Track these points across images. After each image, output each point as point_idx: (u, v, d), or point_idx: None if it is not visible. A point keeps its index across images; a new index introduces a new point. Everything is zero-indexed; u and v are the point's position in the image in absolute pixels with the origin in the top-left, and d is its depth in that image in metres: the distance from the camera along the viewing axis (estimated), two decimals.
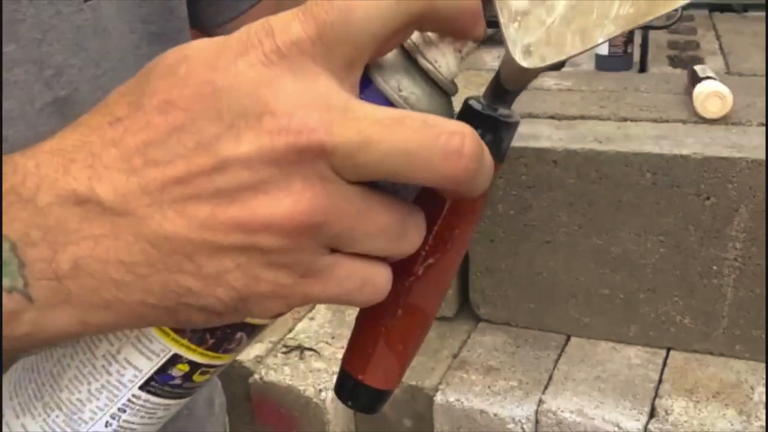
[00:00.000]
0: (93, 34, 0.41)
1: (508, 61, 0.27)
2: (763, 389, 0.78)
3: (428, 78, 0.28)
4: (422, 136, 0.24)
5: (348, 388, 0.33)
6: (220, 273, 0.25)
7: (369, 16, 0.25)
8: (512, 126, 0.30)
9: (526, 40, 0.27)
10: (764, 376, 0.80)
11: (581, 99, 0.93)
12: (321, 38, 0.25)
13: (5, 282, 0.25)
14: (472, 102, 0.29)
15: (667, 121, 0.86)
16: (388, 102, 0.27)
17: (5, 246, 0.25)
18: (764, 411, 0.76)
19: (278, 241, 0.25)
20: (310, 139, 0.24)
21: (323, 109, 0.24)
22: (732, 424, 0.75)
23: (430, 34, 0.28)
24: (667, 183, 0.78)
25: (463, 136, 0.24)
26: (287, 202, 0.24)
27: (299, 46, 0.24)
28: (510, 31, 0.27)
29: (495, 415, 0.81)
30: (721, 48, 1.14)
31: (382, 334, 0.32)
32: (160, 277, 0.25)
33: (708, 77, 0.87)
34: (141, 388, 0.30)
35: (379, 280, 0.27)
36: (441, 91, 0.28)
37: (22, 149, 0.39)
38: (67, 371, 0.30)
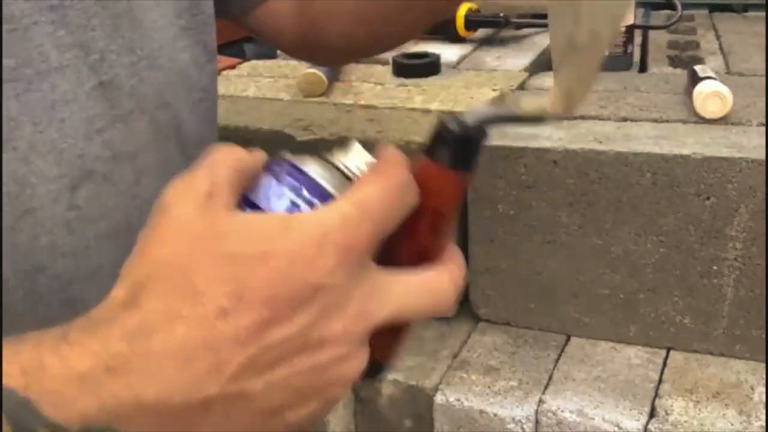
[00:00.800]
0: (128, 23, 0.44)
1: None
2: (763, 389, 0.78)
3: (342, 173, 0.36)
4: (431, 299, 0.34)
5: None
6: (298, 421, 0.31)
7: (398, 220, 0.32)
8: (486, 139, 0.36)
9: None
10: (764, 376, 0.80)
11: None
12: (370, 238, 0.31)
13: None
14: (452, 126, 0.35)
15: (667, 121, 0.86)
16: None
17: None
18: (764, 411, 0.76)
19: (344, 392, 0.33)
20: (376, 321, 0.32)
21: (378, 294, 0.32)
22: (732, 424, 0.75)
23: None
24: (667, 183, 0.78)
25: (451, 294, 0.34)
26: (358, 365, 0.32)
27: (359, 246, 0.31)
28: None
29: (495, 415, 0.81)
30: (721, 48, 1.14)
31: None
32: None
33: (708, 77, 0.87)
34: None
35: None
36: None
37: (78, 130, 0.42)
38: None
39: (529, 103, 0.36)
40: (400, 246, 0.35)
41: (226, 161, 0.32)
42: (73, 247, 0.42)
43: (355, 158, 0.35)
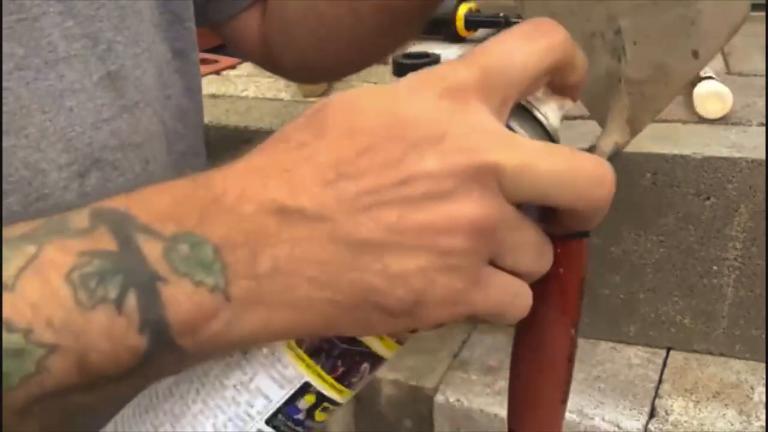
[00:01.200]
0: (132, 15, 0.45)
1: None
2: (763, 389, 0.79)
3: (542, 128, 0.32)
4: (573, 163, 0.29)
5: None
6: (403, 273, 0.28)
7: (525, 62, 0.29)
8: None
9: None
10: (764, 376, 0.80)
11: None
12: (484, 80, 0.29)
13: (209, 281, 0.27)
14: None
15: (667, 121, 0.86)
16: None
17: (209, 249, 0.28)
18: (764, 411, 0.76)
19: (458, 243, 0.28)
20: (485, 158, 0.27)
21: (491, 135, 0.28)
22: (732, 424, 0.75)
23: (539, 92, 0.32)
24: (667, 183, 0.78)
25: (605, 165, 0.29)
26: (468, 207, 0.28)
27: (466, 86, 0.29)
28: None
29: (495, 415, 0.81)
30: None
31: (552, 391, 0.37)
32: (350, 276, 0.28)
33: (708, 77, 0.87)
34: (267, 422, 0.31)
35: (526, 294, 0.30)
36: (551, 140, 0.32)
37: (85, 119, 0.43)
38: (192, 407, 0.31)
39: (606, 144, 0.37)
40: (543, 316, 0.34)
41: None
42: None
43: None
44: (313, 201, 0.28)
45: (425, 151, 0.28)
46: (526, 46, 0.30)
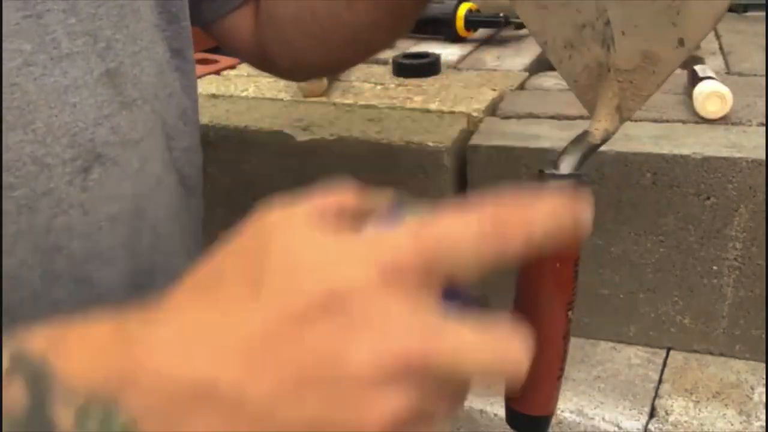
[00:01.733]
0: (131, 14, 0.45)
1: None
2: (763, 389, 0.79)
3: None
4: (497, 354, 0.29)
5: (521, 422, 0.39)
6: None
7: (473, 262, 0.29)
8: None
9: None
10: (764, 376, 0.80)
11: None
12: (426, 267, 0.29)
13: None
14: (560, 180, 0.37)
15: (667, 121, 0.86)
16: None
17: (120, 422, 0.27)
18: (764, 411, 0.76)
19: None
20: (416, 358, 0.27)
21: (425, 330, 0.28)
22: (732, 424, 0.75)
23: None
24: (667, 183, 0.78)
25: (520, 352, 0.29)
26: (392, 404, 0.27)
27: (407, 271, 0.28)
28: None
29: (495, 415, 0.81)
30: (721, 48, 1.14)
31: (549, 368, 0.39)
32: None
33: (708, 77, 0.87)
34: None
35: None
36: None
37: (88, 115, 0.43)
38: None
39: (597, 130, 0.37)
40: (539, 297, 0.36)
41: (329, 198, 0.31)
42: (87, 228, 0.44)
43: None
44: (234, 380, 0.27)
45: (356, 336, 0.27)
46: (480, 248, 0.29)
